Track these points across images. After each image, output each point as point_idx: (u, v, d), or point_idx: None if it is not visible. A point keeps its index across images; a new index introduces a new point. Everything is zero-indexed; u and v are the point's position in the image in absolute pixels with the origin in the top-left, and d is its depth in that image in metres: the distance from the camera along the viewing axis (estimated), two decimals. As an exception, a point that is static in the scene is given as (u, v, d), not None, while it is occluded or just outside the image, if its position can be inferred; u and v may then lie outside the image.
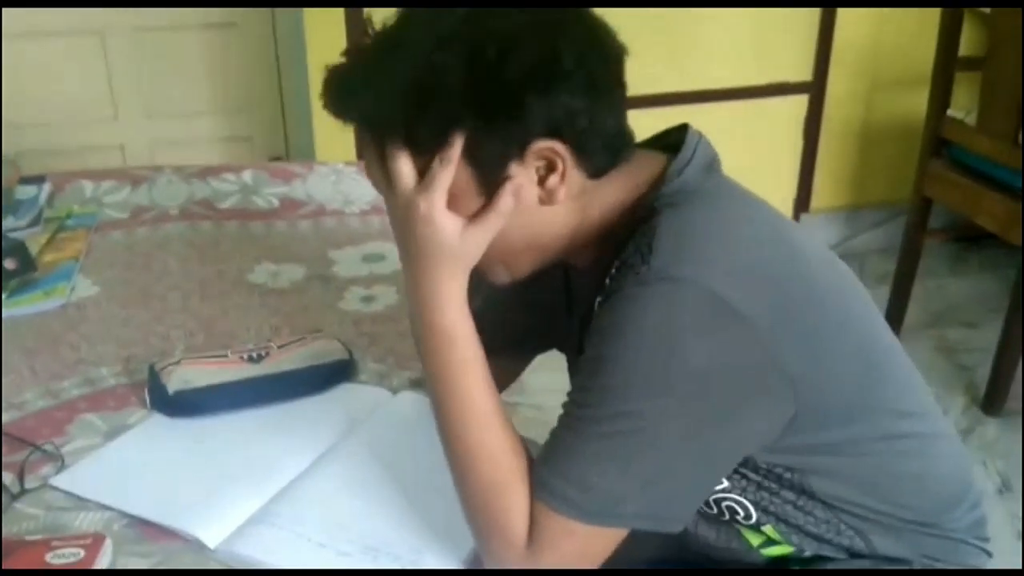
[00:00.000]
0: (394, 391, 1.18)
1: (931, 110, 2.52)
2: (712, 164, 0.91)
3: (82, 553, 0.86)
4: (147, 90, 2.71)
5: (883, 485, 0.92)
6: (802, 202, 3.13)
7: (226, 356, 1.17)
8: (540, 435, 0.89)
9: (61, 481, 1.01)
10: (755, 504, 0.92)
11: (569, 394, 0.85)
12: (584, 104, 0.82)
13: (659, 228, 0.82)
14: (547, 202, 0.86)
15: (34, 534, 0.93)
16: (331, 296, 1.42)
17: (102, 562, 0.87)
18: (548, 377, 1.19)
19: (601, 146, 0.86)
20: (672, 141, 0.93)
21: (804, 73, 2.94)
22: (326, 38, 2.52)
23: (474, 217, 0.85)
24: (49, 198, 1.65)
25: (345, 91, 0.84)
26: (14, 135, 2.54)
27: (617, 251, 0.86)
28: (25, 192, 1.61)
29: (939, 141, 2.51)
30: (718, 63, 2.84)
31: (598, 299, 0.86)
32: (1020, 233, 2.24)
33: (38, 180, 1.68)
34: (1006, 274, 2.62)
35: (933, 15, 2.48)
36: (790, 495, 0.91)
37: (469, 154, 0.82)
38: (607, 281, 0.85)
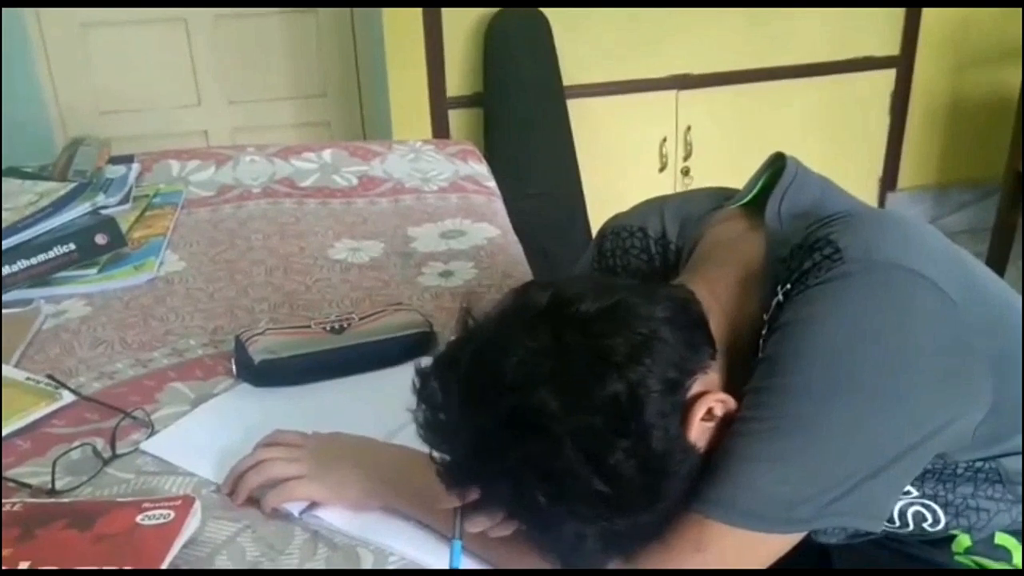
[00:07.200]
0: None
1: (1027, 83, 2.42)
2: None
3: (172, 515, 0.88)
4: (228, 76, 2.76)
5: None
6: (889, 180, 3.04)
7: (309, 327, 1.18)
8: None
9: (151, 446, 1.03)
10: (944, 506, 0.86)
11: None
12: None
13: (833, 234, 0.79)
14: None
15: (125, 497, 0.95)
16: (410, 271, 1.42)
17: (192, 524, 0.88)
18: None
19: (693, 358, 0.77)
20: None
21: (892, 47, 2.85)
22: (403, 24, 2.53)
23: None
24: (137, 177, 1.69)
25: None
26: (102, 121, 2.61)
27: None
28: (114, 171, 1.66)
29: (1035, 115, 2.41)
30: (803, 38, 2.76)
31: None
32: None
33: (127, 160, 1.72)
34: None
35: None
36: (971, 487, 0.85)
37: None
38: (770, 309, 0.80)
